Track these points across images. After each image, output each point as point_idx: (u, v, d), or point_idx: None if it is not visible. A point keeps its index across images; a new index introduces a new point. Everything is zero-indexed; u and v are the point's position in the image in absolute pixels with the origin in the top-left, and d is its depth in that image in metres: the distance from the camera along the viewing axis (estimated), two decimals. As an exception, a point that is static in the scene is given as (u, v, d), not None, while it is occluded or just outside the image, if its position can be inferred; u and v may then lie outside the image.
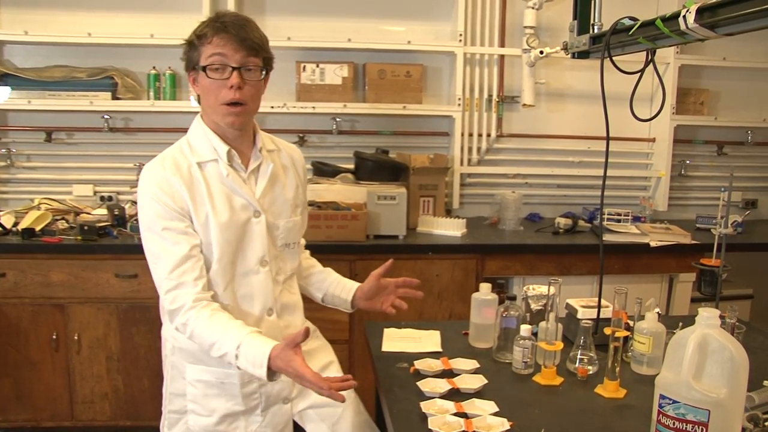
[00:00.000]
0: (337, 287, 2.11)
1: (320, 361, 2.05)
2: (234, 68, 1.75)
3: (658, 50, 1.92)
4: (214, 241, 1.80)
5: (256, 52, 1.78)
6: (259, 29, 1.83)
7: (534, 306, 2.20)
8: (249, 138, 1.90)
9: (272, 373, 1.65)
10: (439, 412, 1.65)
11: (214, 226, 1.79)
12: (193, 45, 1.80)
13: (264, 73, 1.83)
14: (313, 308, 2.12)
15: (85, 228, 3.13)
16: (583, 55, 2.20)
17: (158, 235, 1.77)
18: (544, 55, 3.52)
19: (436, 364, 1.95)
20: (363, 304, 2.06)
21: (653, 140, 4.17)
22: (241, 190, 1.84)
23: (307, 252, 2.22)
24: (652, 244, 3.41)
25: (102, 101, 3.56)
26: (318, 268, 2.18)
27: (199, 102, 1.89)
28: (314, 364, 1.99)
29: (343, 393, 1.96)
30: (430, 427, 1.57)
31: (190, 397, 1.89)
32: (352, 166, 3.63)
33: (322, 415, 1.99)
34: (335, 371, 2.07)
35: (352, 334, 3.21)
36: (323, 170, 3.55)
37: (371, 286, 2.04)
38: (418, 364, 1.94)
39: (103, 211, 3.41)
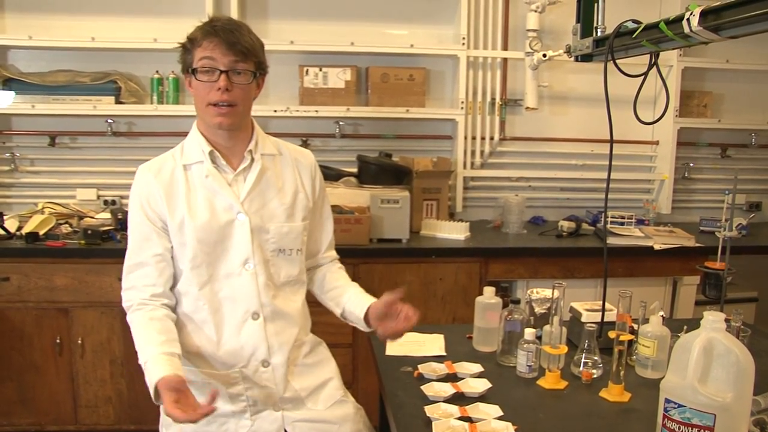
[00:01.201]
0: (353, 304, 2.00)
1: (320, 377, 2.01)
2: (222, 71, 1.76)
3: (661, 53, 1.92)
4: (188, 242, 1.81)
5: (245, 57, 1.78)
6: (251, 34, 1.83)
7: (538, 309, 2.19)
8: (243, 141, 1.89)
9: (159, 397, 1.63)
10: (443, 416, 1.64)
11: (189, 227, 1.81)
12: (186, 49, 1.82)
13: (254, 77, 1.82)
14: (316, 312, 2.11)
15: (89, 232, 3.13)
16: (586, 58, 2.19)
17: (130, 236, 1.86)
18: (547, 58, 3.52)
19: (440, 368, 1.94)
20: (374, 322, 1.93)
21: (657, 143, 4.17)
22: (222, 191, 1.84)
23: (339, 267, 2.16)
24: (656, 247, 3.40)
25: (105, 105, 3.57)
26: (341, 283, 2.09)
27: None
28: (313, 379, 1.98)
29: (341, 409, 1.97)
30: (434, 431, 1.56)
31: None
32: (355, 170, 3.64)
33: (317, 430, 1.94)
34: (334, 389, 2.02)
35: (356, 338, 3.20)
36: (326, 174, 3.52)
37: (380, 308, 1.90)
38: (422, 368, 1.93)
39: (107, 215, 3.42)
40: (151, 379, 1.62)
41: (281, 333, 1.91)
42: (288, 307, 1.94)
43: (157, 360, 1.65)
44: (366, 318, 1.94)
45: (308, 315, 2.06)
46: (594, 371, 1.92)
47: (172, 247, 1.84)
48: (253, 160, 1.89)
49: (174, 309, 1.86)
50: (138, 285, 1.82)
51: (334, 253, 2.17)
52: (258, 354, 1.87)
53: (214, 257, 1.84)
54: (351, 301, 2.01)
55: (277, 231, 1.90)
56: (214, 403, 1.57)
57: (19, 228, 3.25)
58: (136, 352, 3.13)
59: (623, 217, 3.65)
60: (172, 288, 1.87)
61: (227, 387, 1.86)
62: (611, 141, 1.97)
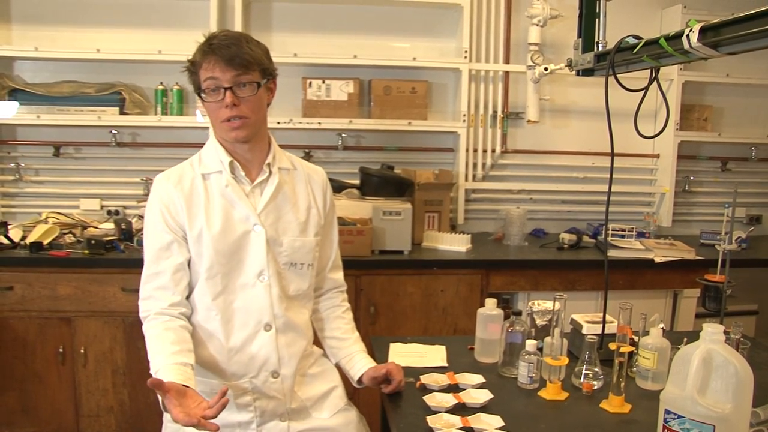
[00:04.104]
0: (349, 362, 2.04)
1: (323, 386, 2.03)
2: (226, 88, 1.77)
3: (661, 67, 1.94)
4: (205, 251, 1.82)
5: (247, 68, 1.78)
6: (252, 43, 1.83)
7: (539, 321, 2.21)
8: (261, 153, 1.91)
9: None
10: (445, 427, 1.65)
11: (206, 237, 1.82)
12: (191, 71, 1.84)
13: (260, 85, 1.82)
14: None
15: (92, 242, 3.14)
16: (587, 72, 2.22)
17: (149, 244, 1.86)
18: (548, 71, 3.53)
19: (442, 379, 1.96)
20: (370, 383, 1.98)
21: (657, 156, 4.19)
22: (240, 201, 1.86)
23: (344, 309, 2.16)
24: (657, 259, 3.41)
25: (110, 116, 3.59)
26: (340, 332, 2.11)
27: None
28: (318, 388, 2.00)
29: (345, 417, 2.00)
30: (436, 441, 1.58)
31: None
32: (357, 182, 3.65)
33: None
34: (338, 397, 2.04)
35: (357, 349, 3.21)
36: (329, 185, 3.56)
37: (375, 379, 1.95)
38: (424, 379, 1.94)
39: (110, 225, 3.43)
40: None
41: (292, 345, 1.93)
42: (298, 319, 1.96)
43: (167, 369, 1.65)
44: (360, 379, 2.01)
45: (311, 327, 2.07)
46: (595, 382, 1.93)
47: (190, 257, 1.85)
48: (270, 173, 1.92)
49: (190, 318, 1.87)
50: (156, 295, 1.82)
51: (340, 278, 2.17)
52: (268, 365, 1.88)
53: (229, 268, 1.85)
54: (348, 362, 2.05)
55: (290, 245, 1.92)
56: (219, 413, 1.53)
57: (23, 237, 3.27)
58: (138, 362, 3.17)
59: (624, 230, 3.65)
60: (188, 297, 1.88)
61: (236, 397, 1.87)
62: (612, 154, 1.99)
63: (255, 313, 1.87)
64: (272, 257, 1.89)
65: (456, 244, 3.48)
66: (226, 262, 1.84)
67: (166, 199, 1.84)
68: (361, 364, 2.02)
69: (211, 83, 1.78)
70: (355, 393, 3.19)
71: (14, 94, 3.57)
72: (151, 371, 1.69)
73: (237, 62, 1.77)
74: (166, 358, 1.68)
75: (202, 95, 1.81)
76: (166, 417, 1.96)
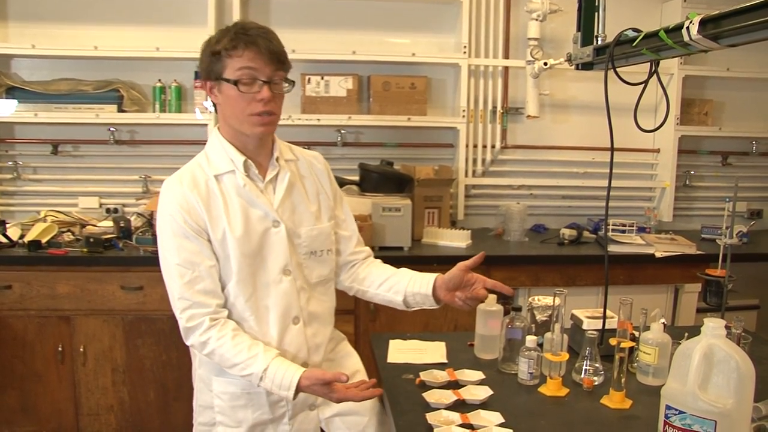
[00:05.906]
0: (415, 284, 2.02)
1: (347, 369, 2.03)
2: (264, 82, 1.75)
3: (661, 61, 1.92)
4: (231, 254, 1.80)
5: (283, 65, 1.78)
6: (279, 40, 1.82)
7: (539, 317, 2.20)
8: (267, 148, 1.89)
9: (297, 395, 1.74)
10: (444, 423, 1.65)
11: (231, 240, 1.79)
12: (217, 56, 1.76)
13: (292, 83, 1.84)
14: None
15: (91, 240, 3.14)
16: (587, 66, 2.21)
17: (174, 253, 1.77)
18: (548, 66, 3.53)
19: (442, 376, 1.95)
20: (443, 295, 1.99)
21: (658, 151, 4.18)
22: (258, 200, 1.84)
23: (380, 262, 2.17)
24: (658, 254, 3.40)
25: (108, 114, 3.58)
26: (392, 271, 2.10)
27: (215, 111, 1.89)
28: (341, 371, 2.00)
29: (367, 402, 1.98)
30: (435, 438, 1.57)
31: (217, 409, 1.90)
32: (357, 178, 3.64)
33: (348, 424, 2.00)
34: (362, 378, 2.05)
35: (358, 346, 3.18)
36: (328, 182, 3.55)
37: (455, 276, 1.98)
38: (424, 376, 1.94)
39: (109, 224, 3.42)
40: (290, 378, 1.72)
41: (317, 334, 1.95)
42: (321, 308, 1.97)
43: (278, 362, 1.74)
44: (434, 292, 1.99)
45: (333, 313, 2.07)
46: (595, 378, 1.92)
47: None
48: (279, 167, 1.90)
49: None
50: (202, 300, 1.77)
51: (367, 249, 2.16)
52: (298, 358, 1.89)
53: (255, 267, 1.83)
54: (413, 282, 2.03)
55: (307, 235, 1.92)
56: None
57: (22, 236, 3.26)
58: (137, 360, 3.17)
59: (624, 225, 3.64)
60: None
61: (269, 395, 1.86)
62: (612, 149, 1.98)
63: (284, 309, 1.87)
64: (293, 250, 1.89)
65: (456, 240, 3.47)
66: (251, 262, 1.82)
67: (185, 204, 1.78)
68: (429, 276, 2.03)
69: (247, 73, 1.74)
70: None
71: (12, 92, 3.56)
72: (254, 370, 1.73)
73: (276, 57, 1.76)
74: (265, 354, 1.75)
75: (237, 85, 1.74)
76: (196, 419, 1.98)
